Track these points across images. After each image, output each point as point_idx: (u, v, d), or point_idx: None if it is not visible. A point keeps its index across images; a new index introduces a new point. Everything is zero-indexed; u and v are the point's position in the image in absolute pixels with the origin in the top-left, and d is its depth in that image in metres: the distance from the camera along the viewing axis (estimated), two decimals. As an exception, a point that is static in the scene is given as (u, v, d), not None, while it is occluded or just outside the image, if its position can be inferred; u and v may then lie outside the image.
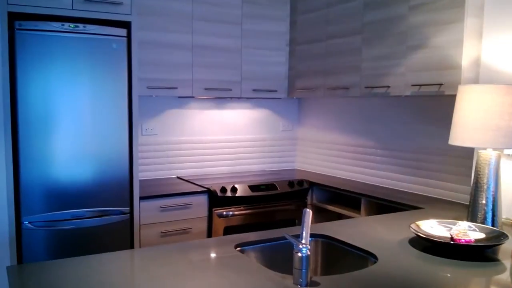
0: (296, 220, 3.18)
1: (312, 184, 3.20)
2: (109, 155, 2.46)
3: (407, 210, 2.47)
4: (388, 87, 2.61)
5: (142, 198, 2.62)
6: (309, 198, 3.23)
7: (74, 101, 2.35)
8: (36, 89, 2.26)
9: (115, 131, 2.47)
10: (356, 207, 2.99)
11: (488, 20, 2.22)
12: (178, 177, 3.35)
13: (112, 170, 2.47)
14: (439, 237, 1.72)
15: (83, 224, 2.40)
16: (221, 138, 3.58)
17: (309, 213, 1.49)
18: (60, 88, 2.31)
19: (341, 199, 3.25)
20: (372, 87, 2.73)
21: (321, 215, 3.28)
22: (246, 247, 1.73)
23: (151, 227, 2.68)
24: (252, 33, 3.31)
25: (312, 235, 1.86)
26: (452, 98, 2.59)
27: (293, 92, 3.46)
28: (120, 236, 2.51)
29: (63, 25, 2.30)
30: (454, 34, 2.25)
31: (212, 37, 3.14)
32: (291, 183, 3.13)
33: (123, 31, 2.46)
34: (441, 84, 2.32)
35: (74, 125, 2.35)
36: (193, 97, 3.15)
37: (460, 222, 1.75)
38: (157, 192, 2.75)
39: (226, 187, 2.89)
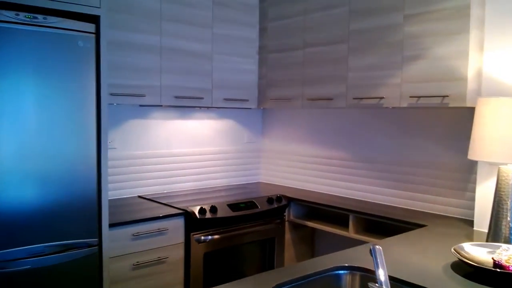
0: (275, 238, 2.86)
1: (290, 200, 2.91)
2: (73, 175, 1.95)
3: (406, 227, 2.28)
4: (382, 98, 2.41)
5: (111, 225, 2.13)
6: (286, 214, 2.93)
7: (27, 109, 1.82)
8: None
9: (80, 146, 1.96)
10: (340, 223, 2.75)
11: (489, 32, 2.10)
12: (139, 196, 2.86)
13: (76, 193, 1.96)
14: (485, 263, 1.51)
15: (42, 262, 1.86)
16: (185, 151, 3.16)
17: (380, 251, 1.18)
18: (9, 92, 1.77)
19: (319, 214, 2.99)
20: (361, 98, 2.51)
21: (297, 232, 3.00)
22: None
23: (122, 260, 2.19)
24: (223, 38, 2.95)
25: (343, 268, 1.56)
26: (441, 110, 2.46)
27: (265, 102, 3.15)
28: (87, 274, 2.00)
29: (17, 14, 1.76)
30: (459, 45, 2.11)
31: (182, 40, 2.73)
32: (270, 200, 2.81)
33: (91, 27, 1.97)
34: (445, 96, 2.15)
35: (25, 138, 1.82)
36: (160, 106, 2.70)
37: (504, 246, 1.56)
38: (124, 216, 2.27)
39: (204, 207, 2.49)
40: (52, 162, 1.88)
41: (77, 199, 1.97)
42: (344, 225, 2.70)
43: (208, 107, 3.06)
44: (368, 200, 2.83)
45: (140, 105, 2.87)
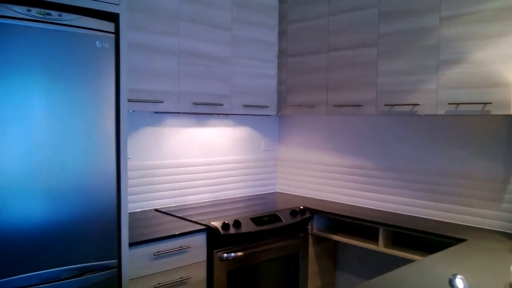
0: (299, 252, 2.63)
1: (313, 212, 2.68)
2: (89, 190, 1.71)
3: (442, 241, 2.06)
4: (416, 105, 2.20)
5: (131, 244, 1.89)
6: (309, 227, 2.70)
7: (37, 116, 1.58)
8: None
9: (97, 158, 1.73)
10: (366, 236, 2.52)
11: (540, 32, 1.90)
12: (156, 210, 2.63)
13: (93, 210, 1.73)
14: None
15: (56, 289, 1.62)
16: (201, 161, 2.93)
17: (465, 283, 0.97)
18: (18, 97, 1.54)
19: (342, 227, 2.77)
20: (393, 105, 2.30)
21: (319, 245, 2.77)
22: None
23: (142, 282, 1.95)
24: (242, 41, 2.74)
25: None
26: (474, 117, 2.25)
27: (285, 109, 2.93)
28: (105, 299, 1.76)
29: (29, 10, 1.54)
30: (502, 48, 1.91)
31: (201, 42, 2.52)
32: (293, 212, 2.58)
33: (110, 26, 1.75)
34: (487, 103, 1.95)
35: (35, 149, 1.58)
36: (178, 113, 2.47)
37: None
38: (143, 234, 2.04)
39: (227, 222, 2.26)
40: (66, 176, 1.65)
41: (95, 217, 1.73)
42: (371, 237, 2.48)
43: (226, 114, 2.84)
44: (397, 212, 2.61)
45: (155, 112, 2.65)
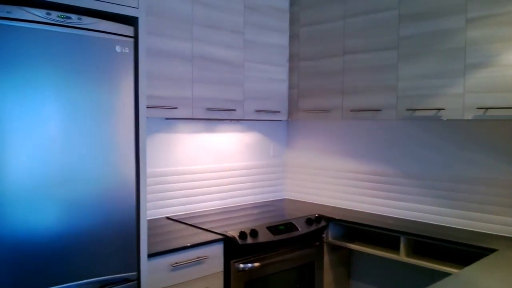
0: (315, 262, 2.61)
1: (329, 220, 2.66)
2: (107, 199, 1.67)
3: (470, 251, 2.05)
4: (440, 109, 2.19)
5: (150, 255, 1.86)
6: (324, 236, 2.68)
7: (55, 122, 1.55)
8: (3, 106, 1.43)
9: (116, 166, 1.70)
10: (385, 245, 2.50)
11: None
12: (168, 218, 2.59)
13: (111, 220, 1.69)
14: None
15: (74, 304, 1.58)
16: (211, 167, 2.90)
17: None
18: (36, 102, 1.50)
19: (357, 235, 2.75)
20: (415, 109, 2.29)
21: (334, 254, 2.75)
22: None
23: (160, 295, 1.92)
24: (255, 45, 2.72)
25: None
26: (501, 121, 2.25)
27: (296, 114, 2.92)
28: (124, 314, 1.72)
29: (49, 14, 1.50)
30: (533, 50, 1.90)
31: (214, 47, 2.49)
32: (309, 220, 2.56)
33: (129, 30, 1.72)
34: (516, 108, 1.94)
35: (50, 156, 1.54)
36: (188, 119, 2.44)
37: None
38: (160, 244, 2.00)
39: (244, 231, 2.23)
40: (83, 185, 1.61)
41: (113, 227, 1.69)
42: (387, 246, 2.47)
43: (238, 120, 2.82)
44: (416, 220, 2.59)
45: (165, 118, 2.61)
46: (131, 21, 1.75)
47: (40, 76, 1.49)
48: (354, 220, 2.55)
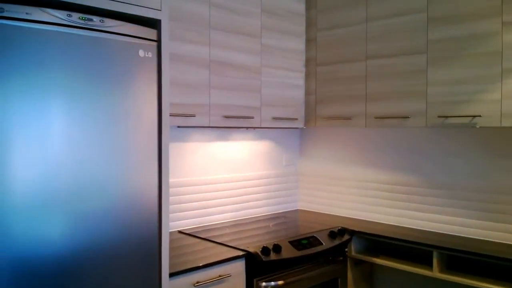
0: (338, 278, 2.52)
1: (352, 233, 2.58)
2: (129, 212, 1.59)
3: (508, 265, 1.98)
4: (476, 116, 2.13)
5: (171, 274, 1.77)
6: (347, 250, 2.60)
7: (76, 130, 1.46)
8: (21, 116, 1.35)
9: (137, 178, 1.61)
10: (417, 260, 2.43)
11: None
12: (180, 232, 2.50)
13: (132, 236, 1.60)
14: None
15: (95, 331, 1.49)
16: (223, 178, 2.82)
17: None
18: (56, 110, 1.42)
19: (380, 248, 2.67)
20: (448, 117, 2.23)
21: (356, 269, 2.67)
22: None
23: (182, 317, 1.83)
24: (272, 50, 2.65)
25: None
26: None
27: (314, 121, 2.85)
28: None
29: (69, 15, 1.43)
30: None
31: (231, 52, 2.42)
32: (332, 234, 2.48)
33: (152, 33, 1.65)
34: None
35: (75, 163, 1.46)
36: (204, 127, 2.37)
37: None
38: (178, 260, 1.91)
39: (267, 246, 2.15)
40: (102, 197, 1.52)
41: (134, 244, 1.60)
42: (417, 261, 2.39)
43: (254, 128, 2.74)
44: (445, 232, 2.52)
45: (178, 126, 2.53)
46: (153, 24, 1.68)
47: (58, 81, 1.41)
48: (379, 233, 2.47)
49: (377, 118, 2.52)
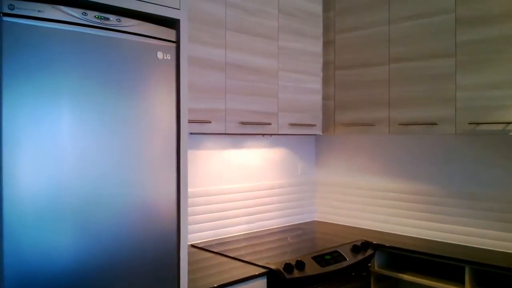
0: (361, 297, 2.41)
1: (376, 247, 2.48)
2: (144, 221, 1.49)
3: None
4: (510, 123, 2.03)
5: (190, 296, 1.66)
6: (370, 265, 2.49)
7: (90, 136, 1.37)
8: (31, 121, 1.25)
9: (156, 186, 1.51)
10: (447, 277, 2.32)
11: None
12: (192, 246, 2.40)
13: (149, 250, 1.50)
14: None
15: None
16: (237, 188, 2.72)
17: None
18: (69, 114, 1.32)
19: (403, 262, 2.56)
20: (480, 123, 2.13)
21: (379, 285, 2.55)
22: None
23: None
24: (289, 52, 2.57)
25: None
26: None
27: (333, 128, 2.75)
28: None
29: (85, 14, 1.34)
30: None
31: (247, 54, 2.34)
32: (355, 248, 2.38)
33: (171, 34, 1.56)
34: None
35: (88, 174, 1.36)
36: (224, 134, 2.27)
37: None
38: (194, 278, 1.81)
39: (289, 262, 2.04)
40: (114, 208, 1.42)
41: (149, 258, 1.50)
42: (446, 277, 2.29)
43: (271, 135, 2.65)
44: (480, 247, 2.41)
45: (190, 133, 2.44)
46: (171, 24, 1.59)
47: (71, 84, 1.32)
48: (406, 247, 2.37)
49: (401, 124, 2.42)
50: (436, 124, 2.29)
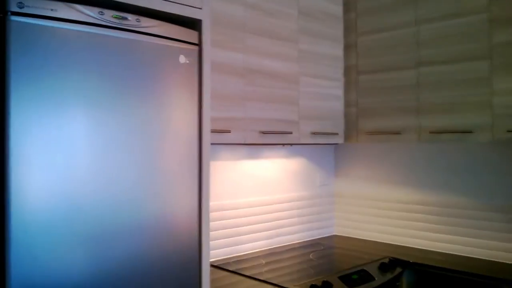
0: (390, 318, 2.28)
1: (405, 265, 2.35)
2: (164, 236, 1.38)
3: None
4: (555, 130, 1.92)
5: (213, 323, 1.55)
6: (398, 284, 2.37)
7: (106, 145, 1.26)
8: (42, 127, 1.15)
9: (177, 198, 1.41)
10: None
11: None
12: (212, 265, 2.28)
13: (168, 270, 1.39)
14: None
15: None
16: (254, 201, 2.60)
17: None
18: (83, 120, 1.22)
19: (432, 282, 2.44)
20: (520, 131, 2.02)
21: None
22: None
23: None
24: (309, 56, 2.47)
25: None
26: None
27: (356, 136, 2.64)
28: None
29: (101, 13, 1.24)
30: None
31: (267, 58, 2.24)
32: (383, 266, 2.25)
33: (193, 35, 1.46)
34: None
35: (104, 184, 1.25)
36: (243, 144, 2.17)
37: None
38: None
39: (316, 284, 1.92)
40: (132, 221, 1.31)
41: (169, 277, 1.39)
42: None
43: (291, 144, 2.54)
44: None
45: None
46: (192, 25, 1.49)
47: (86, 89, 1.22)
48: (436, 264, 2.24)
49: (432, 132, 2.31)
50: (471, 132, 2.17)
